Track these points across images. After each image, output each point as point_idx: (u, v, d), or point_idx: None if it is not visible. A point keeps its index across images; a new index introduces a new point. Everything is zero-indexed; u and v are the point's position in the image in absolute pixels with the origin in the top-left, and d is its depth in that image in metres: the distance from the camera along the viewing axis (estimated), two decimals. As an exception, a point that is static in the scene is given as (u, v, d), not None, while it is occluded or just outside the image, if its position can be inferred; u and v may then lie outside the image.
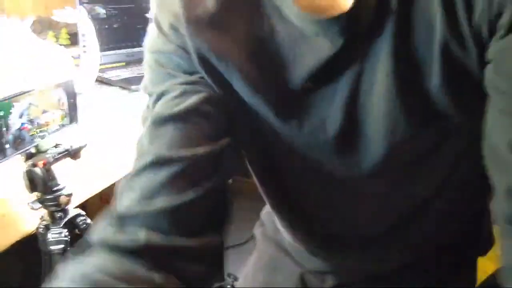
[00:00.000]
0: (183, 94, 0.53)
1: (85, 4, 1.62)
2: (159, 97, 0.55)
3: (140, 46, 1.87)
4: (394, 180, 0.59)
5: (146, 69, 0.59)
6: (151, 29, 0.59)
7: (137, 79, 1.56)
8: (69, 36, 1.88)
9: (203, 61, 0.54)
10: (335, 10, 0.49)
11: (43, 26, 2.05)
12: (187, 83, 0.55)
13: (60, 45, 1.48)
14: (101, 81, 1.51)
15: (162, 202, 0.48)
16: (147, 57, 0.59)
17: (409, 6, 0.49)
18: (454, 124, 0.53)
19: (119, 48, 1.70)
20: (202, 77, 0.55)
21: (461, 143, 0.56)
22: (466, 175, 0.61)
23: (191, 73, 0.55)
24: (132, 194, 0.49)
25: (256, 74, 0.54)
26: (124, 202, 0.49)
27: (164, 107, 0.53)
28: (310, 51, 0.52)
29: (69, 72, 1.30)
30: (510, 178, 0.43)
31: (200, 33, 0.53)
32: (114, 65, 1.67)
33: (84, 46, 1.42)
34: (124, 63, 1.70)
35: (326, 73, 0.52)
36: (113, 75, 1.57)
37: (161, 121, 0.52)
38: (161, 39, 0.57)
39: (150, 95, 0.57)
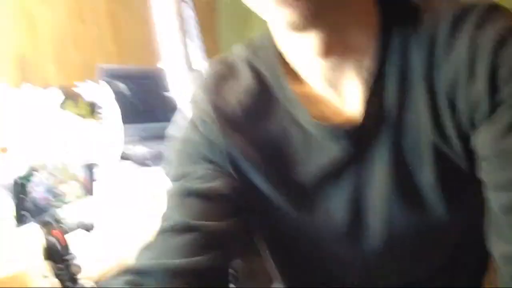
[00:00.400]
0: (207, 176, 0.63)
1: (105, 78, 1.71)
2: (184, 175, 0.63)
3: (157, 122, 1.95)
4: (397, 259, 0.66)
5: (172, 153, 0.68)
6: (180, 118, 0.69)
7: (154, 155, 1.61)
8: (88, 107, 1.95)
9: (231, 158, 0.64)
10: (342, 118, 0.61)
11: (64, 95, 2.14)
12: (210, 170, 0.64)
13: (79, 115, 1.54)
14: (118, 154, 1.55)
15: (176, 262, 0.53)
16: (175, 144, 0.68)
17: (403, 111, 0.58)
18: (449, 214, 0.60)
19: (137, 123, 1.77)
20: (224, 167, 0.65)
21: (457, 230, 0.64)
22: (466, 256, 0.69)
23: (215, 163, 0.64)
24: (149, 252, 0.56)
25: (273, 172, 0.64)
26: (141, 258, 0.55)
27: (189, 183, 0.62)
28: (320, 152, 0.62)
29: (88, 145, 1.36)
30: None
31: (229, 134, 0.64)
32: (131, 139, 1.72)
33: (103, 119, 1.47)
34: (141, 138, 1.75)
35: (334, 171, 0.62)
36: (129, 149, 1.61)
37: (185, 194, 0.61)
38: (190, 130, 0.66)
39: (175, 174, 0.65)
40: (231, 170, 0.64)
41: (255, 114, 0.64)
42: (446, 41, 0.55)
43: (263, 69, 0.66)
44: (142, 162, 1.51)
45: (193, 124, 0.66)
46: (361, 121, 0.60)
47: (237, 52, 0.70)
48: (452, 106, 0.55)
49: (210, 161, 0.64)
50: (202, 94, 0.67)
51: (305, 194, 0.64)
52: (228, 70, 0.68)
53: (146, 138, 1.75)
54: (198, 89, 0.69)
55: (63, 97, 2.01)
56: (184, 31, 0.83)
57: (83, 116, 1.72)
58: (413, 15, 0.58)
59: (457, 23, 0.55)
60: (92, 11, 2.69)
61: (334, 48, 0.58)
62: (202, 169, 0.63)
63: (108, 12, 2.80)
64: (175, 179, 0.64)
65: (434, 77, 0.56)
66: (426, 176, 0.58)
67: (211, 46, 4.02)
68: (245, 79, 0.66)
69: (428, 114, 0.56)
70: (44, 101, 1.29)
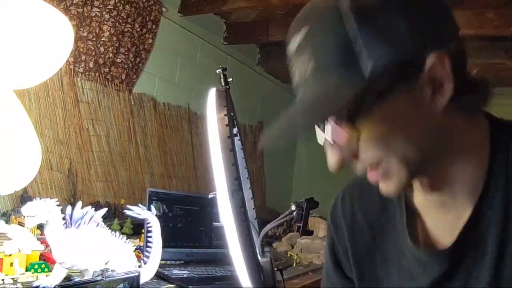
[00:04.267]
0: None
1: (154, 203, 1.74)
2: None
3: (200, 247, 1.95)
4: None
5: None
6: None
7: (195, 280, 1.57)
8: (132, 226, 1.96)
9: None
10: (440, 244, 0.68)
11: (110, 213, 2.17)
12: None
13: (123, 234, 1.54)
14: (159, 276, 1.52)
15: None
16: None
17: (503, 240, 0.62)
18: None
19: (180, 247, 1.75)
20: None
21: None
22: None
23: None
24: None
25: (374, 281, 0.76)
26: None
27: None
28: (423, 272, 0.68)
29: (134, 265, 1.33)
30: None
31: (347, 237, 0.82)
32: (174, 262, 1.69)
33: (149, 242, 1.47)
34: (183, 262, 1.72)
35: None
36: (172, 272, 1.58)
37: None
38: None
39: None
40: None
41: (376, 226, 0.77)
42: None
43: None
44: (184, 286, 1.46)
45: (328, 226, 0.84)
46: (460, 245, 0.64)
47: None
48: None
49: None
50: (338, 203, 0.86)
51: None
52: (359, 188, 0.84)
53: (190, 263, 1.73)
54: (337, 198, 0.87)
55: (109, 214, 2.06)
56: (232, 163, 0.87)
57: (127, 235, 1.73)
58: None
59: None
60: (142, 133, 2.86)
61: (438, 186, 0.66)
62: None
63: (157, 135, 2.96)
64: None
65: None
66: None
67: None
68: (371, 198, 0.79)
69: None
70: (91, 217, 1.30)
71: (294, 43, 0.63)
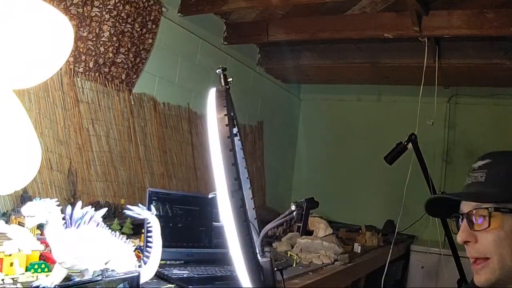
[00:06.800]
0: None
1: (154, 203, 1.74)
2: None
3: (200, 247, 1.95)
4: None
5: None
6: None
7: (195, 280, 1.56)
8: (132, 226, 1.96)
9: None
10: None
11: (110, 213, 2.18)
12: None
13: (123, 234, 1.54)
14: (159, 276, 1.52)
15: None
16: None
17: None
18: None
19: (180, 247, 1.75)
20: None
21: None
22: None
23: None
24: None
25: None
26: None
27: None
28: None
29: (134, 265, 1.33)
30: None
31: None
32: (174, 262, 1.69)
33: (149, 242, 1.46)
34: (183, 262, 1.72)
35: None
36: (172, 272, 1.58)
37: None
38: None
39: None
40: None
41: None
42: None
43: None
44: (184, 286, 1.46)
45: None
46: None
47: None
48: None
49: None
50: None
51: None
52: None
53: (190, 262, 1.73)
54: None
55: (109, 214, 2.06)
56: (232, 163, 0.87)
57: (127, 235, 1.72)
58: None
59: None
60: (142, 133, 2.86)
61: None
62: None
63: (157, 135, 2.96)
64: None
65: None
66: None
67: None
68: None
69: None
70: (91, 217, 1.30)
71: (479, 163, 0.99)
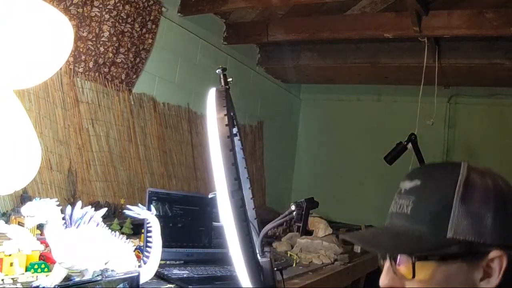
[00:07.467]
0: None
1: (154, 203, 1.74)
2: None
3: (200, 247, 1.95)
4: None
5: None
6: None
7: (195, 280, 1.56)
8: (132, 226, 1.96)
9: None
10: None
11: (110, 213, 2.18)
12: None
13: (123, 234, 1.54)
14: (159, 276, 1.52)
15: None
16: None
17: None
18: None
19: (180, 247, 1.75)
20: None
21: None
22: None
23: None
24: None
25: None
26: None
27: None
28: None
29: (134, 265, 1.33)
30: None
31: None
32: (174, 262, 1.69)
33: (149, 242, 1.46)
34: (183, 262, 1.72)
35: None
36: (172, 272, 1.58)
37: None
38: None
39: None
40: None
41: None
42: None
43: None
44: (184, 285, 1.46)
45: None
46: None
47: None
48: None
49: None
50: None
51: None
52: None
53: (190, 262, 1.73)
54: None
55: (109, 214, 2.06)
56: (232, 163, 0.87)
57: (127, 235, 1.72)
58: None
59: None
60: (142, 133, 2.86)
61: None
62: None
63: (157, 135, 2.96)
64: None
65: None
66: None
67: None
68: None
69: None
70: (91, 217, 1.30)
71: (406, 185, 0.80)
